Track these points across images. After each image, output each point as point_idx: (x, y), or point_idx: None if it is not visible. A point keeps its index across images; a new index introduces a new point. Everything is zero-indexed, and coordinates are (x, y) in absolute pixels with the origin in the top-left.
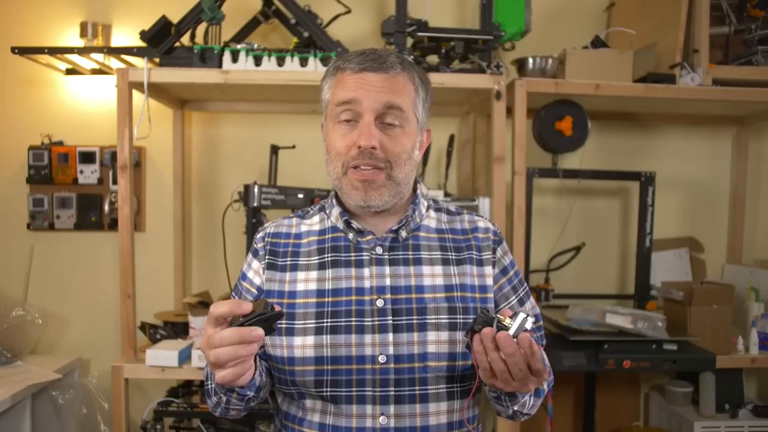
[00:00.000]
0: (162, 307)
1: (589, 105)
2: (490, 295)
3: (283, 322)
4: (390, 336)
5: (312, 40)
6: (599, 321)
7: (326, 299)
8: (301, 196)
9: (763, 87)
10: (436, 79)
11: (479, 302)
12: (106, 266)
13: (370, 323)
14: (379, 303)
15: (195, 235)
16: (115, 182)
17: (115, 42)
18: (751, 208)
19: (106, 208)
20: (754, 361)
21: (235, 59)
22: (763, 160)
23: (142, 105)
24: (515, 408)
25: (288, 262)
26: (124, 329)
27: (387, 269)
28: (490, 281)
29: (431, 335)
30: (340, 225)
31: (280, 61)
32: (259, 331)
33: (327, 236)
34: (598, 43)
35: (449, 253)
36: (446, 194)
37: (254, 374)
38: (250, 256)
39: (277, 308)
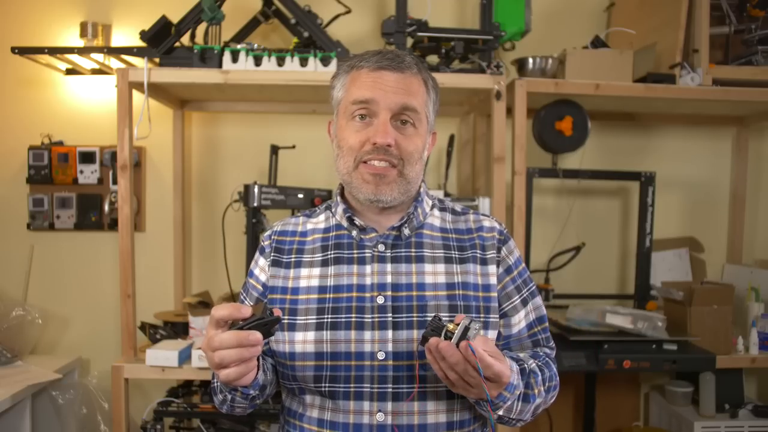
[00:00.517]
0: (162, 307)
1: (589, 105)
2: (494, 294)
3: (286, 317)
4: (389, 333)
5: (312, 40)
6: (599, 321)
7: (327, 295)
8: (301, 196)
9: (763, 87)
10: (436, 79)
11: (482, 301)
12: (106, 266)
13: (369, 320)
14: (380, 300)
15: (195, 235)
16: (115, 182)
17: (115, 42)
18: (751, 208)
19: (106, 208)
20: (754, 361)
21: (235, 59)
22: (763, 160)
23: (142, 105)
24: (500, 413)
25: (292, 259)
26: (124, 329)
27: (388, 266)
28: (493, 280)
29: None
30: (344, 222)
31: (280, 61)
32: (256, 335)
33: (331, 234)
34: (598, 43)
35: (452, 252)
36: (446, 194)
37: (257, 374)
38: (257, 253)
39: (277, 312)
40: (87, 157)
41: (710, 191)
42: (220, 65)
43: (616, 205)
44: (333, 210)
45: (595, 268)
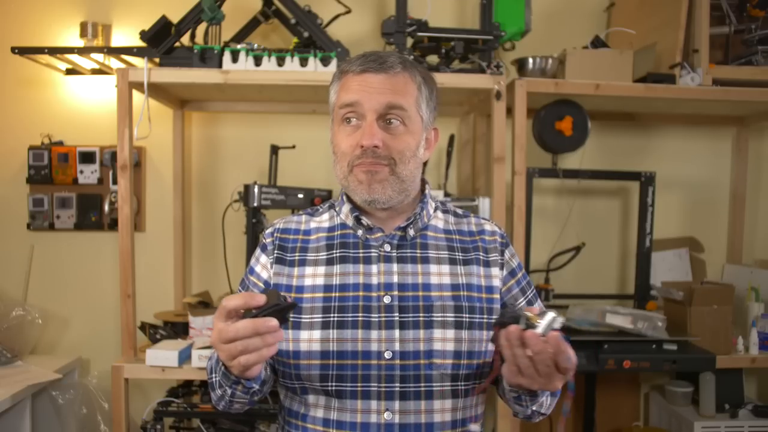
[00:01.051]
0: (162, 307)
1: (589, 105)
2: (497, 296)
3: (291, 315)
4: (396, 332)
5: (312, 40)
6: (599, 321)
7: (333, 294)
8: (301, 196)
9: (763, 87)
10: (436, 79)
11: (485, 302)
12: (106, 266)
13: (376, 319)
14: (386, 299)
15: (195, 235)
16: (115, 182)
17: (115, 42)
18: (751, 208)
19: (106, 208)
20: (754, 361)
21: (235, 59)
22: (763, 160)
23: (142, 105)
24: (534, 408)
25: (296, 257)
26: (124, 329)
27: (395, 266)
28: (497, 282)
29: (437, 333)
30: (350, 222)
31: (280, 61)
32: (273, 321)
33: (336, 233)
34: (598, 43)
35: (456, 253)
36: (446, 194)
37: (261, 367)
38: (258, 250)
39: (290, 299)
40: (87, 157)
41: (710, 191)
42: (220, 65)
43: (616, 205)
44: (337, 209)
45: (595, 268)
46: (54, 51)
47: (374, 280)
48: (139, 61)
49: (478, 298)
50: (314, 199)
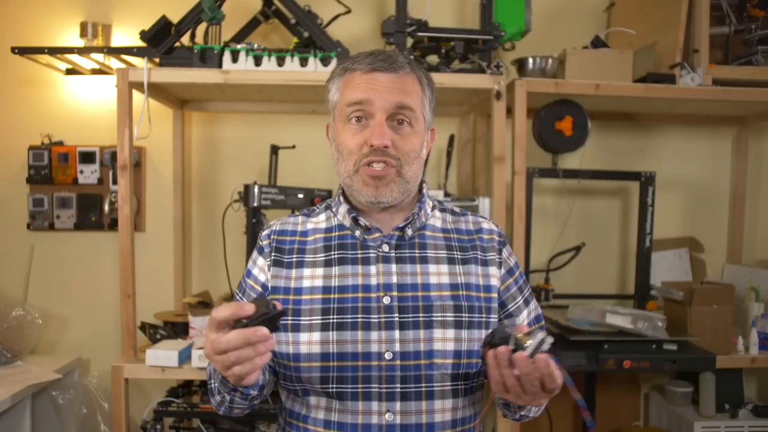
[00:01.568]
0: (162, 307)
1: (589, 105)
2: (494, 295)
3: (289, 318)
4: (396, 333)
5: (312, 40)
6: (599, 321)
7: (332, 296)
8: (301, 196)
9: (763, 87)
10: (436, 79)
11: (483, 301)
12: (106, 266)
13: (376, 320)
14: (386, 300)
15: (195, 235)
16: (115, 182)
17: (115, 42)
18: (751, 208)
19: (106, 208)
20: (754, 361)
21: (235, 59)
22: (763, 160)
23: (142, 105)
24: (522, 413)
25: (294, 259)
26: (124, 329)
27: (394, 267)
28: (494, 281)
29: (437, 333)
30: (347, 222)
31: (280, 61)
32: (264, 331)
33: (333, 234)
34: (598, 43)
35: (455, 253)
36: (446, 194)
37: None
38: (255, 253)
39: (279, 306)
40: (87, 157)
41: (710, 191)
42: (220, 65)
43: (616, 205)
44: (334, 210)
45: (595, 268)
46: (54, 51)
47: (373, 281)
48: (139, 61)
49: (477, 297)
50: (314, 199)
